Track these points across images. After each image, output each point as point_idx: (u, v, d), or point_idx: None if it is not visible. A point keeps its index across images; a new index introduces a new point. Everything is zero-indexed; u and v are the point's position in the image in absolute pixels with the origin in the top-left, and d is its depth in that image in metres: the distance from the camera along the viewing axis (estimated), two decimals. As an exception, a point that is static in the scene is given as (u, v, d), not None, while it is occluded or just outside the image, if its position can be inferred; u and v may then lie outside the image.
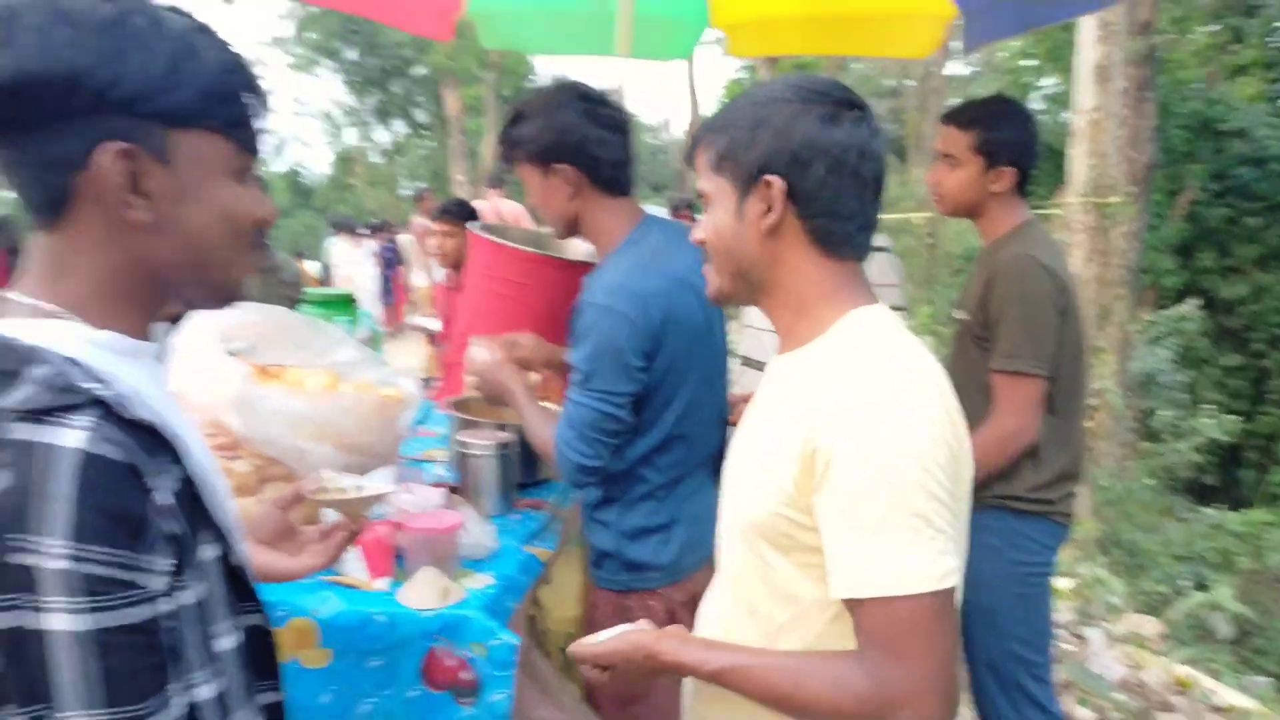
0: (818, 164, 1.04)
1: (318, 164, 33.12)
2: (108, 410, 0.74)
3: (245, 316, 1.94)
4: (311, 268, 10.93)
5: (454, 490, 2.09)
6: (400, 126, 27.65)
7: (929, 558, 0.94)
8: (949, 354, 2.30)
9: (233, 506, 0.91)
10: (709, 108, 19.50)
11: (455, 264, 3.74)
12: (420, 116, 26.72)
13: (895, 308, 2.49)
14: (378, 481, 1.55)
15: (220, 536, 0.85)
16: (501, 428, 2.18)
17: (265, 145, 0.87)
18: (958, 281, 8.60)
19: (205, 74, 0.78)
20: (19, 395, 0.72)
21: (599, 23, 3.43)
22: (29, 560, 0.68)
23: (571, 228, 1.84)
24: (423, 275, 8.25)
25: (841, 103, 1.06)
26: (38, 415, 0.71)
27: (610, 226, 1.80)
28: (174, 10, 0.80)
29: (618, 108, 1.83)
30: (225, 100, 0.80)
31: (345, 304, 2.87)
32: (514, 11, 3.39)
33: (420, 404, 2.06)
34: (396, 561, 1.73)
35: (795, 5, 3.29)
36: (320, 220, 20.58)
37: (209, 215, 0.82)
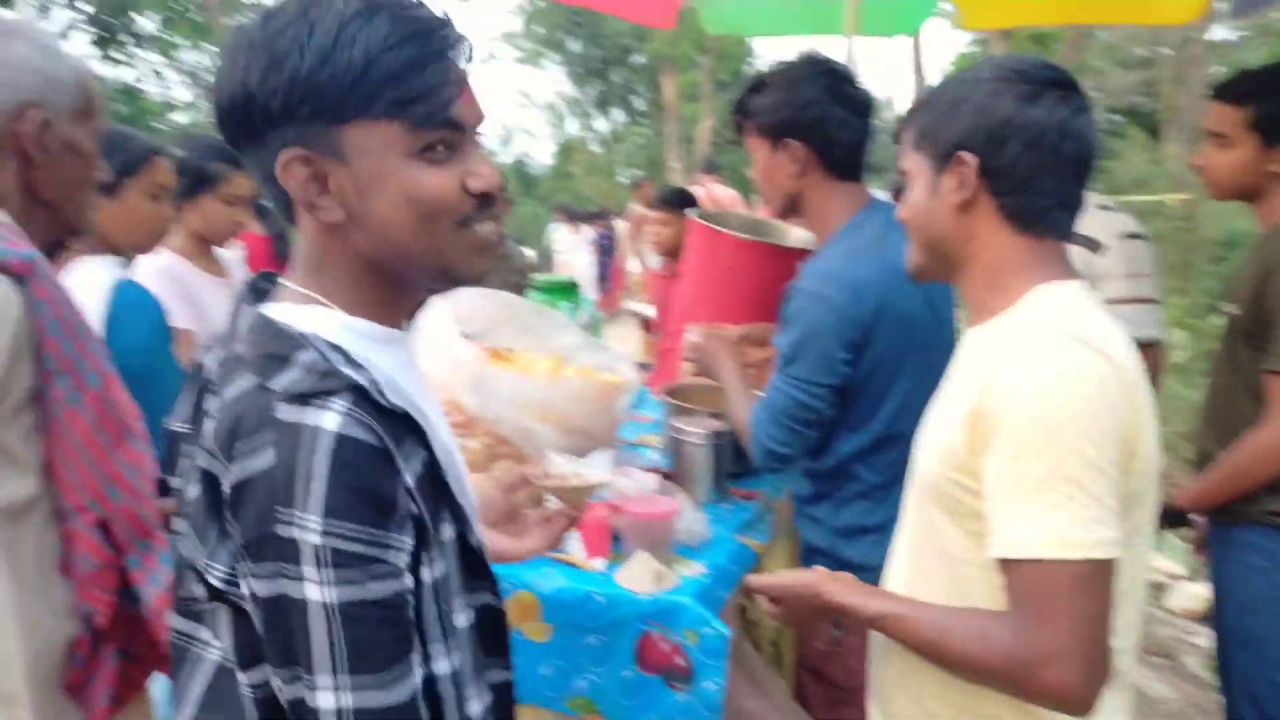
0: (1013, 142, 1.06)
1: (541, 154, 34.69)
2: (363, 395, 0.78)
3: (477, 302, 2.06)
4: (530, 254, 11.49)
5: (667, 476, 2.12)
6: (619, 115, 28.37)
7: (1081, 525, 0.94)
8: (1214, 352, 2.06)
9: (470, 489, 0.94)
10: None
11: (671, 252, 3.79)
12: (638, 104, 27.28)
13: (1145, 300, 2.25)
14: (597, 466, 1.60)
15: (459, 517, 0.88)
16: (716, 416, 2.18)
17: (458, 111, 0.82)
18: (1218, 271, 7.69)
19: (355, 65, 0.77)
20: (287, 378, 0.77)
21: (823, 1, 3.35)
22: (293, 533, 0.73)
23: (791, 207, 1.79)
24: (637, 262, 8.43)
25: (1044, 82, 1.07)
26: (303, 398, 0.76)
27: (832, 211, 1.75)
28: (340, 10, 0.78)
29: (864, 89, 1.75)
30: (383, 85, 0.77)
31: (569, 290, 2.97)
32: (737, -4, 3.38)
33: (637, 389, 2.10)
34: (613, 543, 1.78)
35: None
36: (543, 209, 21.54)
37: (393, 202, 0.81)
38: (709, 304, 2.51)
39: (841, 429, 1.69)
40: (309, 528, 0.73)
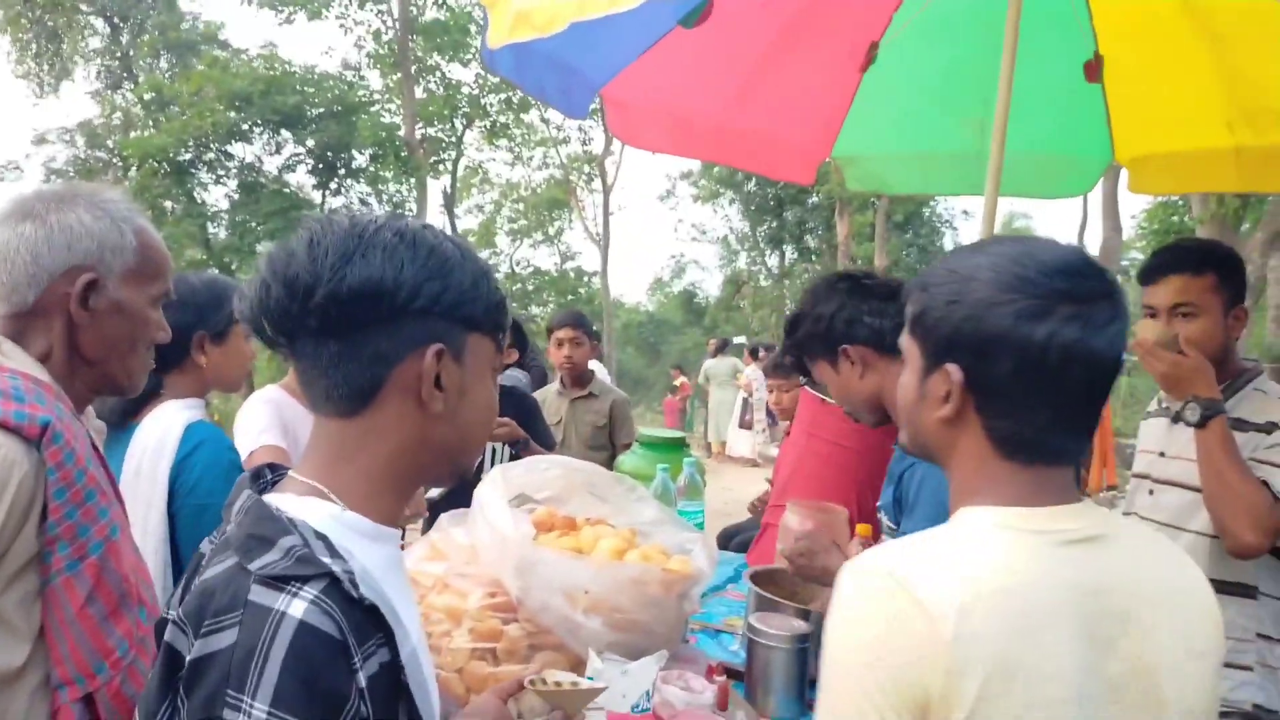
0: (1004, 360, 0.92)
1: (711, 286, 35.41)
2: (335, 584, 0.80)
3: (553, 470, 1.95)
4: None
5: (738, 676, 1.87)
6: (790, 251, 28.64)
7: None
8: None
9: (435, 698, 0.95)
10: (1127, 227, 17.60)
11: (791, 418, 3.60)
12: (810, 242, 27.47)
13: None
14: (641, 665, 1.54)
15: None
16: (805, 615, 1.93)
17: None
18: None
19: (490, 289, 0.94)
20: (265, 560, 0.80)
21: (974, 161, 3.18)
22: (239, 719, 0.73)
23: (878, 409, 1.75)
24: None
25: (1054, 295, 0.91)
26: (277, 581, 0.78)
27: None
28: (461, 239, 0.96)
29: (886, 279, 1.84)
30: (497, 310, 0.95)
31: (674, 446, 2.84)
32: (881, 154, 3.26)
33: (708, 579, 1.89)
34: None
35: (1220, 135, 2.76)
36: (703, 339, 21.85)
37: (479, 406, 0.95)
38: (811, 478, 2.33)
39: None
40: (254, 715, 0.73)
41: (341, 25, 19.01)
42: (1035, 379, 0.92)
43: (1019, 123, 2.41)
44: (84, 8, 19.95)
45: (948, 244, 28.54)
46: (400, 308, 0.87)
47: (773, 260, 29.21)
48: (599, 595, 1.63)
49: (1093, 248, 16.11)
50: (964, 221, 28.20)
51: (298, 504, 0.88)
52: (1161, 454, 2.07)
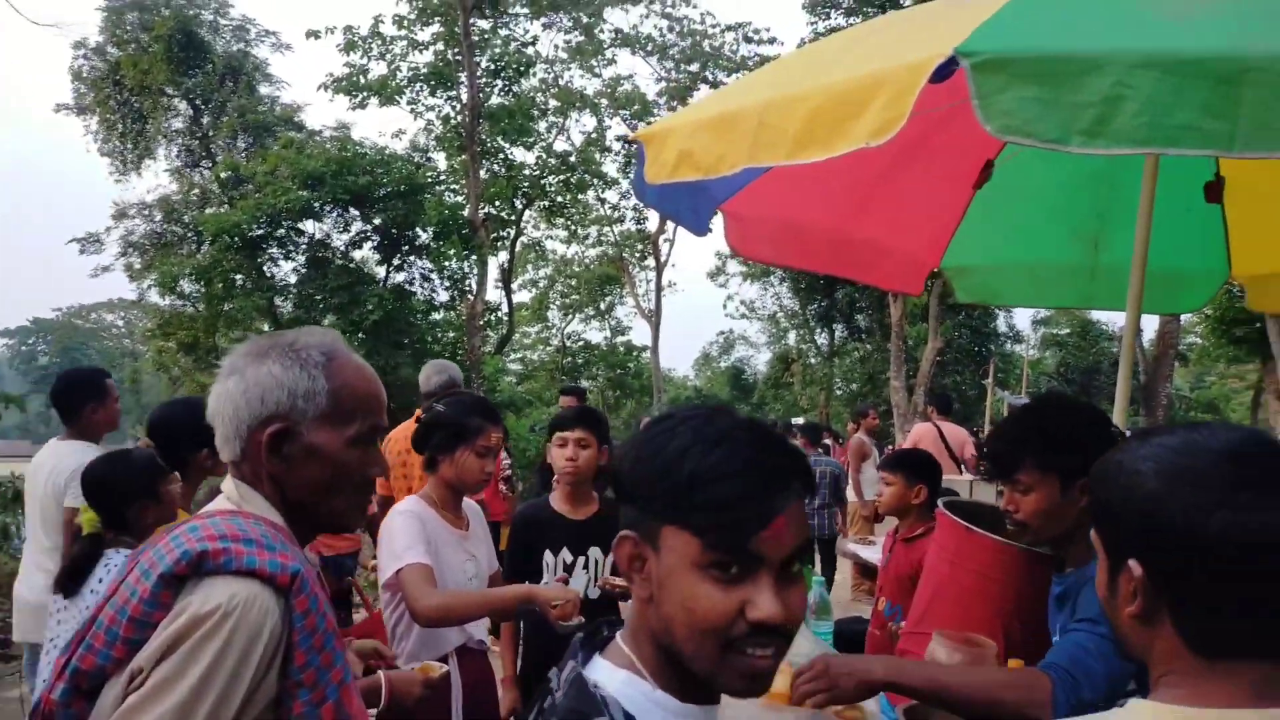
0: (1180, 555, 0.87)
1: (758, 362, 35.34)
2: None
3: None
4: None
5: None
6: (840, 330, 28.60)
7: None
8: None
9: None
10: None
11: (894, 513, 3.55)
12: (861, 321, 27.43)
13: None
14: None
15: None
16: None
17: (756, 543, 0.88)
18: None
19: (680, 483, 0.90)
20: None
21: (1084, 274, 3.20)
22: None
23: (1059, 542, 1.78)
24: (857, 493, 8.10)
25: (1228, 482, 0.85)
26: None
27: None
28: (710, 423, 0.94)
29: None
30: (695, 505, 0.89)
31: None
32: (990, 265, 3.31)
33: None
34: None
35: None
36: (752, 413, 21.74)
37: (674, 601, 0.91)
38: (954, 605, 2.29)
39: None
40: None
41: (412, 110, 19.79)
42: (1220, 575, 0.87)
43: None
44: (169, 90, 21.01)
45: (1001, 325, 28.30)
46: (617, 489, 1.00)
47: (822, 339, 29.20)
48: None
49: (1149, 332, 15.88)
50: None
51: (614, 676, 0.95)
52: None
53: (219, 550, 1.20)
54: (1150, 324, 16.21)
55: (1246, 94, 1.28)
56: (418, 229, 18.06)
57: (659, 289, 24.92)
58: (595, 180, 22.15)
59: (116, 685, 1.17)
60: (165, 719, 1.11)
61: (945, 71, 1.47)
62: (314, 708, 1.22)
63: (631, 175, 2.23)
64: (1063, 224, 3.13)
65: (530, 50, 20.13)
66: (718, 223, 2.98)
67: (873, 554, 5.70)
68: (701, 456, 0.89)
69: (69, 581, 2.42)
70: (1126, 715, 0.93)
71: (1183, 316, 16.94)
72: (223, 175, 19.18)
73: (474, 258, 18.79)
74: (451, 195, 19.77)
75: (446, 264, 18.72)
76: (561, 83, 21.65)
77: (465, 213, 18.57)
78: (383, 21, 19.10)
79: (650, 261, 25.54)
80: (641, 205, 23.03)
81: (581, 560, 2.94)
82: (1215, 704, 0.88)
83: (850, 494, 8.12)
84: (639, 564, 0.94)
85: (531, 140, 20.66)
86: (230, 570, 1.19)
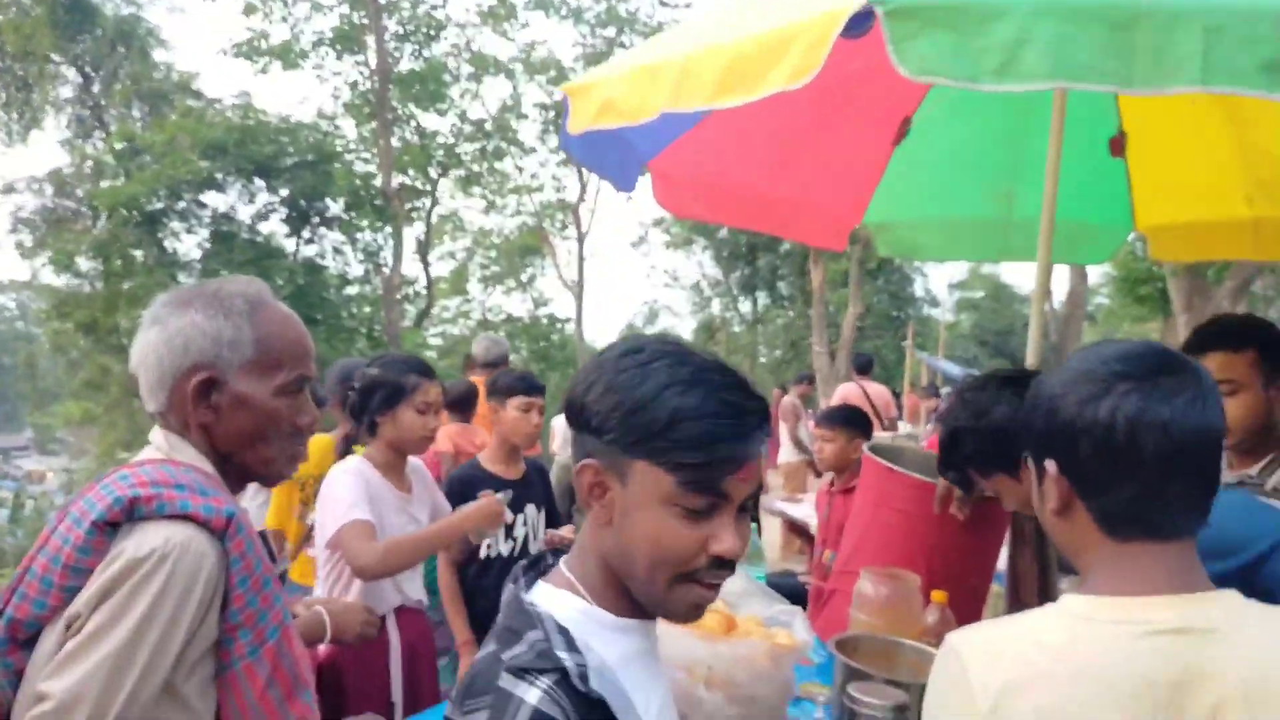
0: (1082, 444, 1.01)
1: (683, 331, 35.66)
2: (565, 677, 0.88)
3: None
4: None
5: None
6: (763, 298, 28.98)
7: None
8: None
9: None
10: (1092, 273, 18.08)
11: (835, 468, 3.65)
12: (783, 289, 27.83)
13: None
14: None
15: None
16: (895, 683, 1.97)
17: (727, 484, 0.92)
18: None
19: (658, 421, 0.91)
20: (514, 652, 0.90)
21: (999, 228, 3.31)
22: None
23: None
24: (790, 451, 8.26)
25: (1114, 375, 1.01)
26: (520, 671, 0.88)
27: None
28: (683, 362, 0.94)
29: (1021, 371, 1.85)
30: (671, 444, 0.90)
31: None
32: (911, 221, 3.39)
33: (811, 648, 1.93)
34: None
35: (1239, 207, 2.92)
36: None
37: (639, 534, 0.94)
38: (880, 546, 2.37)
39: None
40: None
41: (318, 75, 19.12)
42: (1112, 455, 0.99)
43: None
44: (55, 57, 19.83)
45: (918, 290, 29.11)
46: (577, 418, 0.98)
47: (745, 307, 29.53)
48: (717, 670, 1.66)
49: (1059, 294, 16.54)
50: (934, 268, 28.79)
51: (552, 596, 0.99)
52: None
53: (151, 495, 1.18)
54: (1060, 286, 16.85)
55: (1139, 39, 1.36)
56: (328, 200, 17.53)
57: (581, 259, 24.78)
58: (512, 148, 21.79)
59: (54, 633, 1.15)
60: (105, 663, 1.09)
61: (863, 26, 1.50)
62: (255, 648, 1.22)
63: (556, 139, 2.20)
64: (978, 179, 3.22)
65: (440, 13, 19.62)
66: (643, 188, 2.98)
67: (800, 511, 5.84)
68: (680, 396, 0.91)
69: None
70: (1059, 608, 1.02)
71: (1089, 278, 17.69)
72: (118, 146, 18.21)
73: (388, 229, 18.36)
74: (363, 164, 19.24)
75: (360, 236, 18.25)
76: (474, 48, 21.17)
77: (377, 183, 18.11)
78: (284, -17, 18.34)
79: (572, 231, 25.35)
80: (561, 171, 22.82)
81: (521, 517, 3.00)
82: (1133, 591, 0.99)
83: (784, 454, 8.31)
84: (599, 491, 0.96)
85: (445, 107, 20.16)
86: (164, 515, 1.17)
